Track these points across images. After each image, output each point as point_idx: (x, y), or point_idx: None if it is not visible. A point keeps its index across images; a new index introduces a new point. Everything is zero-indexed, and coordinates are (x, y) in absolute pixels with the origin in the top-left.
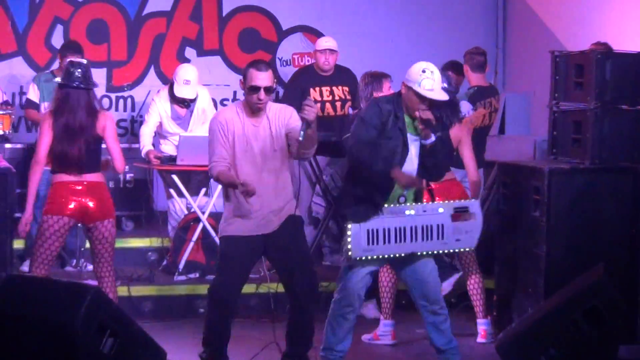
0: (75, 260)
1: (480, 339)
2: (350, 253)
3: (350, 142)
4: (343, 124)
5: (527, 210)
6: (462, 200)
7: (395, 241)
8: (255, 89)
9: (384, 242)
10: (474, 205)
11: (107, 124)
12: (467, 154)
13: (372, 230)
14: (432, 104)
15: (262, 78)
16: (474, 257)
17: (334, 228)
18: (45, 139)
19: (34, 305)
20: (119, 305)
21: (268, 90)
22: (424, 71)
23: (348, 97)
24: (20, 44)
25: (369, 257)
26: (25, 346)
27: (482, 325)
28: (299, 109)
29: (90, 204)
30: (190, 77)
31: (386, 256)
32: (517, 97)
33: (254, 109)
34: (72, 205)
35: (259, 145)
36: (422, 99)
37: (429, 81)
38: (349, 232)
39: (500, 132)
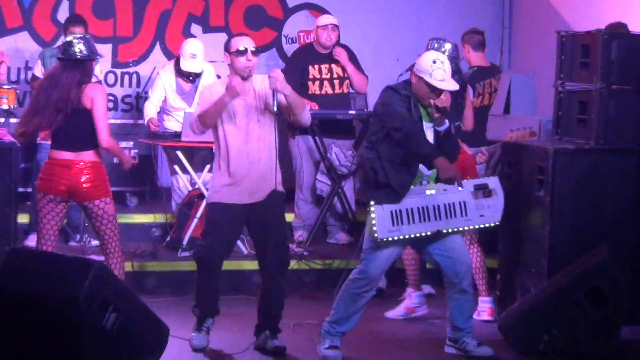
0: (78, 236)
1: (487, 317)
2: (376, 235)
3: (397, 123)
4: (342, 102)
5: (531, 190)
6: (481, 178)
7: (420, 220)
8: (243, 52)
9: (409, 222)
10: (493, 182)
11: (95, 95)
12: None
13: (396, 211)
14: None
15: (246, 41)
16: (476, 233)
17: (338, 206)
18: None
19: (37, 279)
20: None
21: (254, 52)
22: (434, 62)
23: (346, 74)
24: (25, 19)
25: (396, 238)
26: (28, 320)
27: (487, 304)
28: (300, 86)
29: (81, 184)
30: (197, 51)
31: (412, 236)
32: (523, 77)
33: (244, 74)
34: (60, 185)
35: (244, 113)
36: (434, 89)
37: (439, 72)
38: (372, 215)
39: (506, 112)
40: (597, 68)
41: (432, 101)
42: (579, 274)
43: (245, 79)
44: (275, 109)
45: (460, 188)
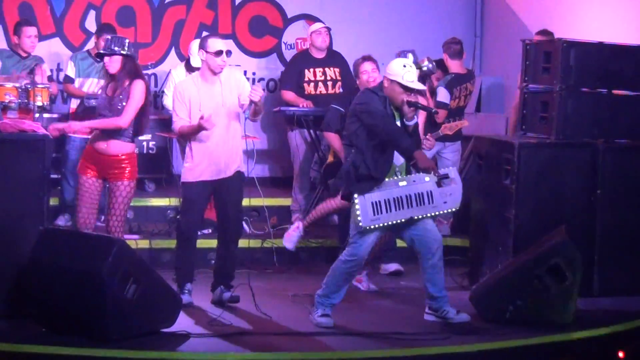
0: (104, 217)
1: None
2: (360, 223)
3: (377, 120)
4: (335, 100)
5: (498, 179)
6: (443, 169)
7: (396, 209)
8: (220, 53)
9: (387, 211)
10: (452, 172)
11: None
12: None
13: (375, 202)
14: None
15: (223, 44)
16: None
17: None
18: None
19: (67, 254)
20: (140, 256)
21: (228, 53)
22: (404, 66)
23: (339, 77)
24: (58, 27)
25: (377, 225)
26: (59, 290)
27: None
28: (297, 87)
29: None
30: None
31: (390, 223)
32: (492, 80)
33: (215, 71)
34: None
35: (211, 106)
36: (407, 89)
37: (410, 74)
38: (357, 206)
39: (477, 110)
40: (557, 72)
41: (404, 99)
42: (541, 252)
43: (216, 74)
44: (247, 115)
45: (433, 177)
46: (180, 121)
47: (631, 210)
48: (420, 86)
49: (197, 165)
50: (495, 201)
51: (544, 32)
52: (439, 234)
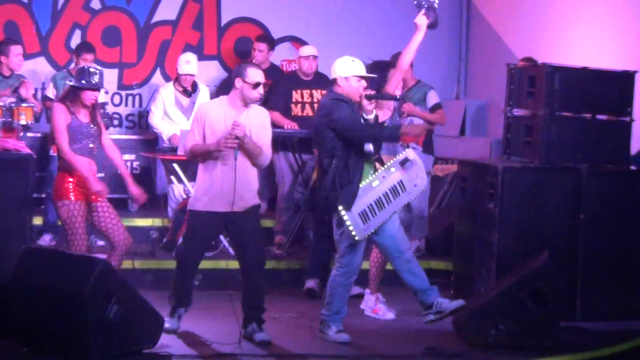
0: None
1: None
2: (356, 238)
3: (350, 125)
4: None
5: (482, 202)
6: (399, 156)
7: (379, 210)
8: (258, 85)
9: (373, 216)
10: (410, 153)
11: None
12: None
13: (362, 211)
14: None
15: (262, 75)
16: None
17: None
18: None
19: (49, 274)
20: (123, 276)
21: (264, 85)
22: (353, 60)
23: None
24: (43, 46)
25: (369, 233)
26: (42, 310)
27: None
28: (284, 108)
29: None
30: (190, 58)
31: (379, 225)
32: (476, 104)
33: (252, 102)
34: None
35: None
36: (363, 77)
37: (361, 66)
38: (347, 222)
39: (461, 134)
40: (541, 97)
41: (362, 93)
42: (523, 276)
43: (247, 105)
44: (236, 156)
45: (397, 165)
46: (193, 141)
47: (614, 235)
48: (372, 74)
49: (205, 194)
50: (479, 225)
51: (528, 59)
52: (405, 234)
